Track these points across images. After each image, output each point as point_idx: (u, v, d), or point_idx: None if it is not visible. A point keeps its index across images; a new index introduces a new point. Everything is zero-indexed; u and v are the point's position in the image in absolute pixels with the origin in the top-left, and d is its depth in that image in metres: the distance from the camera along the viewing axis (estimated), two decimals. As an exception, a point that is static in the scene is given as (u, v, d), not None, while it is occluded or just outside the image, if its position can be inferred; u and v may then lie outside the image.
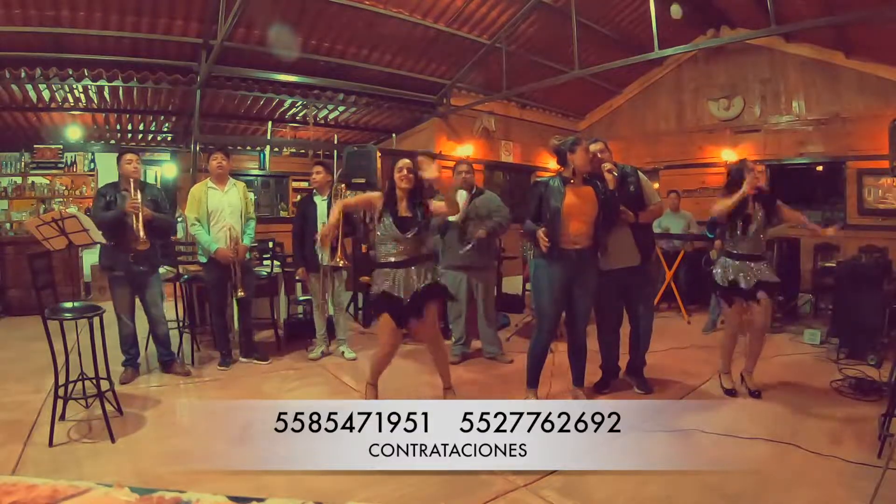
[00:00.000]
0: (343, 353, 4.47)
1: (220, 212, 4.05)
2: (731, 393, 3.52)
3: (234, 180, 4.25)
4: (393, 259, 3.07)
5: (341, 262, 4.23)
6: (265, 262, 4.91)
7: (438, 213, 3.27)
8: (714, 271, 3.59)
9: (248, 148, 8.19)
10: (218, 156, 4.13)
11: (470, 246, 4.13)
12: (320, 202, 4.42)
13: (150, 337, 4.03)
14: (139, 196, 3.56)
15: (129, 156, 3.75)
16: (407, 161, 3.16)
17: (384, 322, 3.10)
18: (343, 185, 4.74)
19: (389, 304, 3.04)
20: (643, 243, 3.52)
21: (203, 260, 4.12)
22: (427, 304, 3.10)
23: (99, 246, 3.69)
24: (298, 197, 9.15)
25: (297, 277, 5.25)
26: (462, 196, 4.11)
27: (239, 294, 4.04)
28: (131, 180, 3.62)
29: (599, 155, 3.36)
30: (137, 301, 3.84)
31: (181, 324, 4.53)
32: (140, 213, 3.53)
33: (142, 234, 3.52)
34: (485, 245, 4.25)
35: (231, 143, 7.14)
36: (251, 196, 4.35)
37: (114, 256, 3.67)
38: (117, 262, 3.66)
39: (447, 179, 3.35)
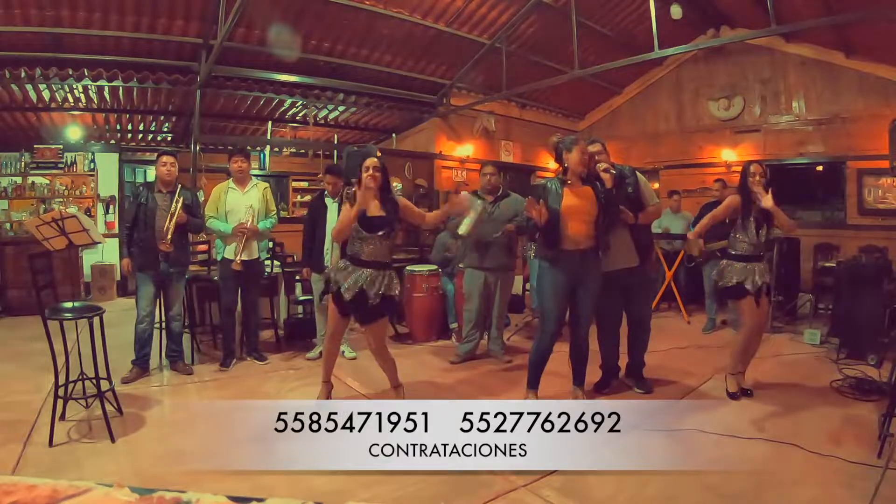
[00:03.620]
0: (343, 352, 4.47)
1: (236, 212, 4.07)
2: (734, 396, 3.43)
3: (256, 181, 4.28)
4: (361, 257, 3.01)
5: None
6: (265, 262, 4.91)
7: (411, 218, 3.21)
8: (722, 272, 3.54)
9: (248, 148, 8.18)
10: (238, 158, 4.16)
11: (497, 235, 4.13)
12: (331, 204, 4.40)
13: (160, 334, 4.06)
14: (179, 203, 3.72)
15: (164, 158, 3.81)
16: (374, 160, 3.10)
17: (332, 309, 3.09)
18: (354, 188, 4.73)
19: (338, 298, 3.01)
20: (641, 244, 3.52)
21: (220, 257, 4.14)
22: (375, 314, 3.03)
23: (128, 243, 3.77)
24: (299, 197, 9.21)
25: (297, 277, 5.26)
26: (476, 207, 3.91)
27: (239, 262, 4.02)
28: (178, 185, 3.77)
29: (597, 157, 3.36)
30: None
31: (181, 324, 4.54)
32: (174, 216, 3.67)
33: (170, 235, 3.65)
34: (507, 245, 4.27)
35: (231, 143, 7.13)
36: (269, 196, 4.32)
37: (143, 257, 3.72)
38: (145, 262, 3.73)
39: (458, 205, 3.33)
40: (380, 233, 3.01)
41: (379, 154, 5.15)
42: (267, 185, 4.37)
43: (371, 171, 3.03)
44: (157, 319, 4.10)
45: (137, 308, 3.79)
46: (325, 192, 4.46)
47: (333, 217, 4.35)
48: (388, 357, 3.20)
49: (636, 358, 3.68)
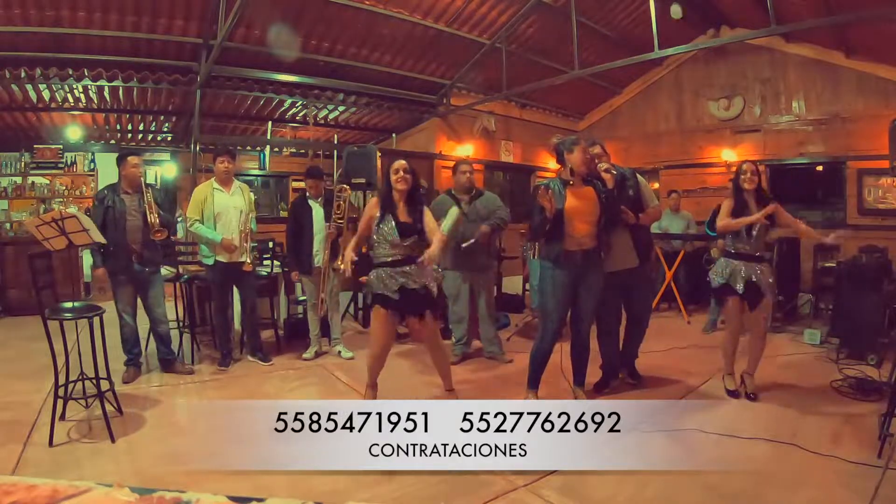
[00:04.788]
0: (339, 352, 4.47)
1: (226, 214, 4.05)
2: (734, 394, 3.49)
3: (238, 182, 4.27)
4: (390, 259, 3.03)
5: (343, 265, 4.23)
6: (265, 262, 4.91)
7: (430, 231, 3.10)
8: (712, 271, 3.58)
9: (248, 148, 8.19)
10: (224, 158, 4.13)
11: (472, 241, 4.07)
12: (315, 206, 4.42)
13: (150, 336, 4.04)
14: (150, 195, 3.68)
15: (133, 158, 3.77)
16: (403, 162, 3.11)
17: (377, 318, 3.08)
18: (346, 186, 4.72)
19: (384, 302, 3.02)
20: (641, 245, 3.53)
21: (207, 262, 4.12)
22: (424, 306, 3.08)
23: (100, 248, 3.70)
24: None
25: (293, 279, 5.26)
26: (453, 215, 3.76)
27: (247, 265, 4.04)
28: (142, 184, 3.72)
29: (597, 158, 3.37)
30: (138, 300, 3.86)
31: (181, 324, 4.54)
32: (153, 207, 3.66)
33: (158, 220, 3.64)
34: (485, 245, 4.25)
35: (231, 143, 7.13)
36: (251, 196, 4.37)
37: (115, 260, 3.69)
38: (118, 265, 3.69)
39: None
40: (408, 241, 3.00)
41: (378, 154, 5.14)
42: (247, 185, 4.38)
43: (402, 174, 3.04)
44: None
45: (117, 311, 3.76)
46: (308, 195, 4.47)
47: (319, 217, 4.38)
48: (440, 349, 3.25)
49: (631, 349, 3.74)
